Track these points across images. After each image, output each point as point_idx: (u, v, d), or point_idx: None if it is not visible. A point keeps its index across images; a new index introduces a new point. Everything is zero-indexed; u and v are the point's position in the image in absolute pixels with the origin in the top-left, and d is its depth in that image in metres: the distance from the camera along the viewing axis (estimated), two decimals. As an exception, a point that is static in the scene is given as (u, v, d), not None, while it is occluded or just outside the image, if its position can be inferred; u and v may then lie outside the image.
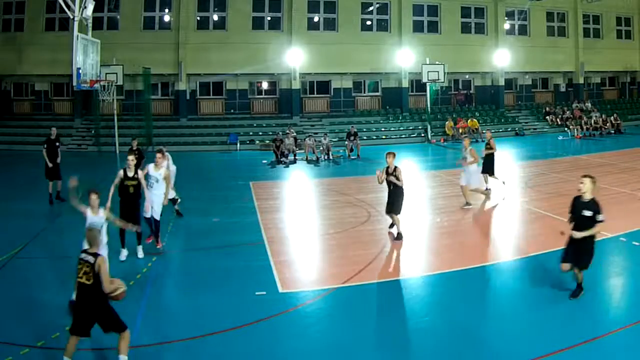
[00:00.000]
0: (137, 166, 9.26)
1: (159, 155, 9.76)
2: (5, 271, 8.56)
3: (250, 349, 6.06)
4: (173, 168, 12.07)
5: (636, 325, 6.20)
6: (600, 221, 6.66)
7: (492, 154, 13.82)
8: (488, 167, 13.76)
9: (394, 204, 10.05)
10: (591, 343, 5.84)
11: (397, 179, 9.86)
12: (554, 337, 6.01)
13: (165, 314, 7.03)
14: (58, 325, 6.41)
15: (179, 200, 12.01)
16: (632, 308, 6.75)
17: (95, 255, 5.30)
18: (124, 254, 9.01)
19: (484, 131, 22.24)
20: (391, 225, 10.51)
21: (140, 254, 9.16)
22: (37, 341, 6.05)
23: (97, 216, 7.27)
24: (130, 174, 8.98)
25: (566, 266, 6.92)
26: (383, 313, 6.94)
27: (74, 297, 5.51)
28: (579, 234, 6.72)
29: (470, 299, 7.21)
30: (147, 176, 9.40)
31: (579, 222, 6.78)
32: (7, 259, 9.05)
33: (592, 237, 6.78)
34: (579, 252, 6.83)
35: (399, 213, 10.05)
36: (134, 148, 13.53)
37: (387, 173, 10.02)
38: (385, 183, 10.10)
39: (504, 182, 14.13)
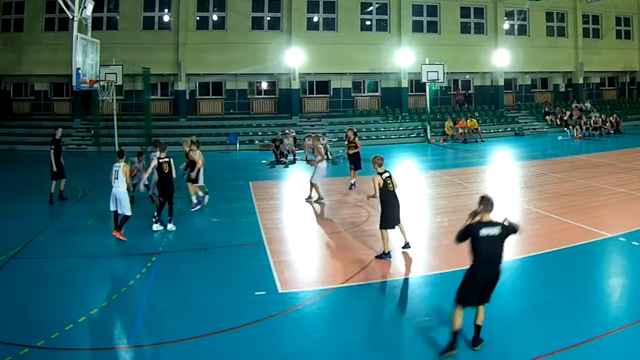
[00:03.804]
0: None
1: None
2: (5, 271, 8.56)
3: (250, 349, 6.06)
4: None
5: (636, 325, 6.21)
6: None
7: (358, 152, 15.12)
8: (356, 164, 15.05)
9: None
10: (591, 343, 5.85)
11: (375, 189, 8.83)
12: (554, 337, 6.01)
13: (165, 314, 7.03)
14: (58, 325, 6.42)
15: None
16: (631, 308, 6.75)
17: None
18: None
19: (483, 131, 22.22)
20: (404, 246, 9.25)
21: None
22: (36, 341, 6.05)
23: None
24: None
25: None
26: (383, 313, 6.94)
27: None
28: None
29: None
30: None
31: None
32: (7, 258, 9.05)
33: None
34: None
35: (382, 228, 8.87)
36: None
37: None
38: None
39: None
